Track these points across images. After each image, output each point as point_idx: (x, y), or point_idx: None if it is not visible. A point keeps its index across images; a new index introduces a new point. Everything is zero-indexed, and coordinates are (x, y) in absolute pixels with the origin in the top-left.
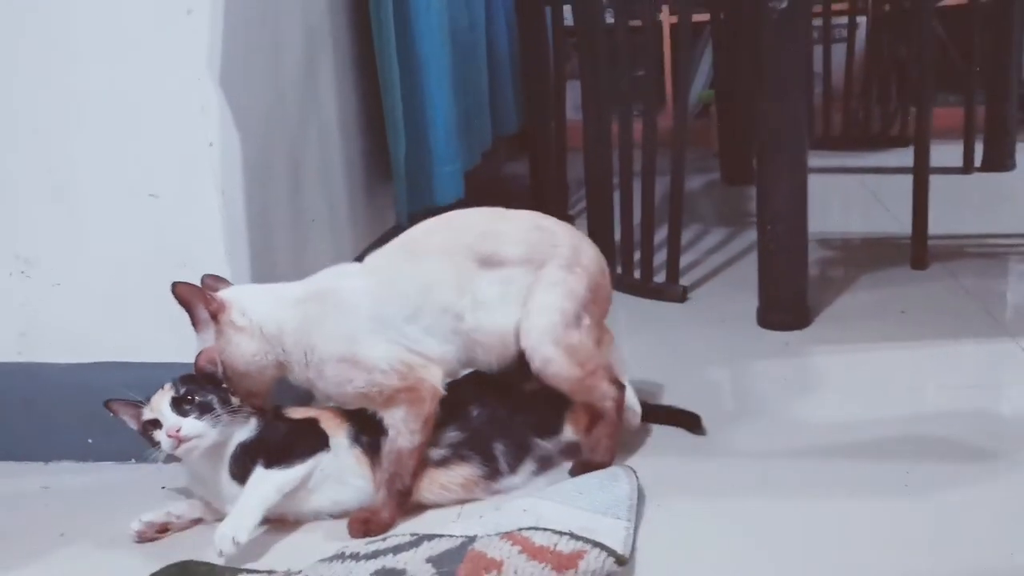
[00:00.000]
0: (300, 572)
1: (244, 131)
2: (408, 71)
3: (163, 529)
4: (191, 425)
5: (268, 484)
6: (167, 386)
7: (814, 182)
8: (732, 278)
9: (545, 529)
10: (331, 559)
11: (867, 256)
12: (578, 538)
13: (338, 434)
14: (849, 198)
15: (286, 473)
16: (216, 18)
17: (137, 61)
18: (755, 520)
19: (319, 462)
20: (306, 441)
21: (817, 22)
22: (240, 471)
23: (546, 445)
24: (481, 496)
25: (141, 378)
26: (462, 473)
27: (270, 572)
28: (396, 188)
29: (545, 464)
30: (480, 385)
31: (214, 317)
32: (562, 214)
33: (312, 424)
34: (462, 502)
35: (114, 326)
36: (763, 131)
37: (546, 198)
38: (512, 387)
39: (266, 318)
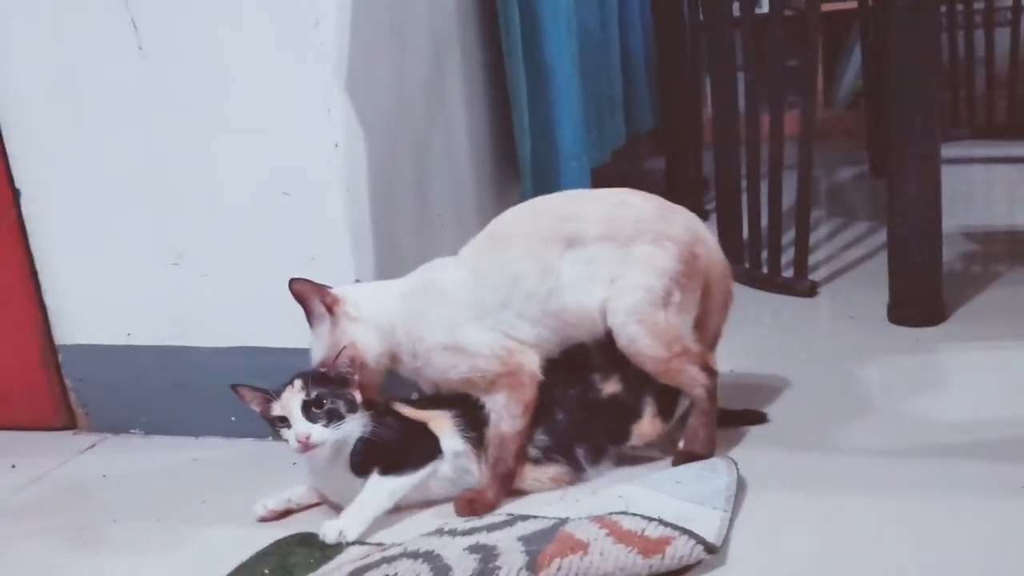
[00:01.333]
0: (401, 545)
1: (369, 132)
2: (535, 72)
3: (284, 514)
4: (319, 433)
5: (383, 492)
6: (297, 384)
7: (969, 172)
8: (867, 273)
9: (635, 514)
10: (431, 534)
11: (1015, 251)
12: (667, 524)
13: (447, 432)
14: (1006, 189)
15: (401, 481)
16: (343, 28)
17: (270, 71)
18: (856, 518)
19: (434, 468)
20: (420, 449)
21: (979, 5)
22: (359, 468)
23: (616, 451)
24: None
25: (275, 363)
26: (552, 471)
27: (378, 544)
28: (522, 184)
29: (621, 461)
30: (563, 388)
31: (330, 310)
32: (697, 208)
33: (424, 430)
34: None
35: (253, 314)
36: (893, 120)
37: (681, 192)
38: (592, 388)
39: (377, 311)
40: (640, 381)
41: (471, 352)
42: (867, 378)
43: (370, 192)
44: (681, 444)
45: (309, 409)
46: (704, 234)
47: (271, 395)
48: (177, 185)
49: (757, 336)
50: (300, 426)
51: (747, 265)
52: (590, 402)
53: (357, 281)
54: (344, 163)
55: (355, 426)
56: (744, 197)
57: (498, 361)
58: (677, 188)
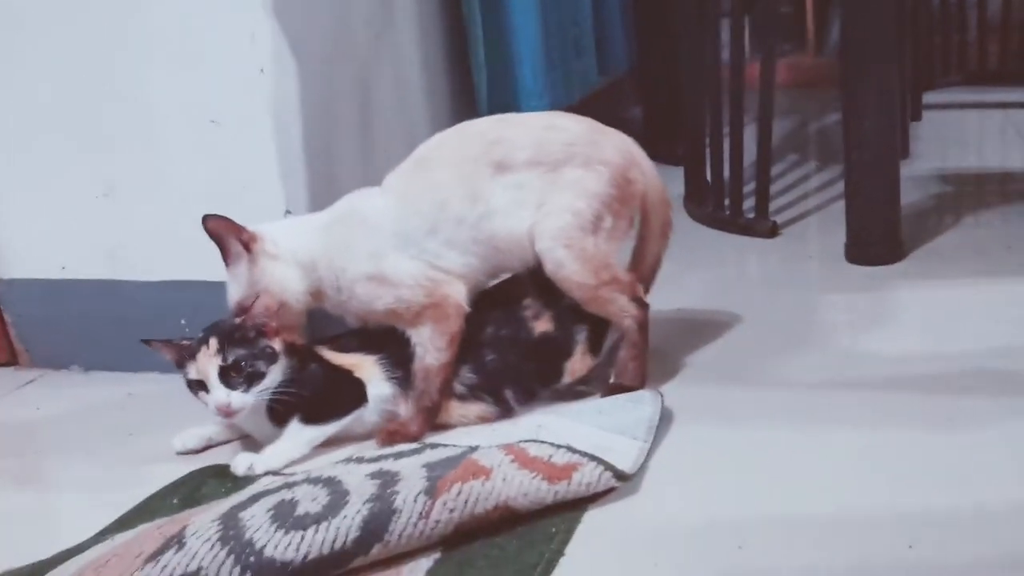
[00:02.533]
0: (306, 472)
1: (301, 59)
2: (491, 1)
3: (202, 450)
4: (239, 399)
5: (302, 439)
6: (213, 345)
7: (957, 118)
8: (832, 215)
9: (542, 441)
10: (339, 462)
11: (988, 193)
12: (575, 451)
13: (374, 378)
14: (990, 135)
15: (322, 430)
16: None
17: None
18: (779, 452)
19: (358, 416)
20: (344, 397)
21: None
22: (279, 417)
23: (546, 392)
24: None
25: (210, 297)
26: (478, 408)
27: (290, 475)
28: None
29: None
30: (495, 324)
31: (247, 247)
32: (673, 155)
33: (349, 377)
34: None
35: (186, 247)
36: (849, 50)
37: (657, 139)
38: (523, 328)
39: (297, 246)
40: (572, 318)
41: (395, 282)
42: (816, 316)
43: (303, 122)
44: (612, 379)
45: (228, 375)
46: (640, 159)
47: (185, 350)
48: (106, 115)
49: (714, 276)
50: (218, 394)
51: (711, 208)
52: (521, 343)
53: (288, 212)
54: (272, 90)
55: (276, 377)
56: (708, 141)
57: (423, 292)
58: (653, 135)
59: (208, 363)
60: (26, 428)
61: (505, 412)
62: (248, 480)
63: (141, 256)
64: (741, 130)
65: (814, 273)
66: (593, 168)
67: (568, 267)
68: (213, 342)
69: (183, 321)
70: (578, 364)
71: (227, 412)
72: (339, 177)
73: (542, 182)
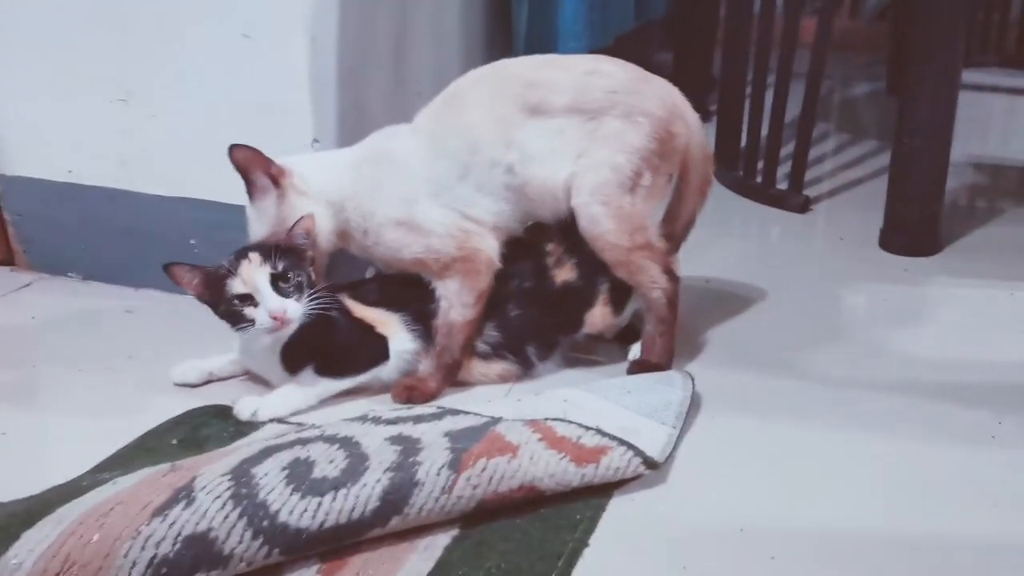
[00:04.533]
0: (320, 428)
1: None
2: None
3: (202, 384)
4: (295, 307)
5: (313, 390)
6: (255, 257)
7: (991, 101)
8: (865, 195)
9: (571, 422)
10: (354, 419)
11: None
12: (605, 435)
13: (397, 333)
14: None
15: (336, 383)
16: None
17: None
18: (811, 453)
19: (375, 374)
20: (364, 353)
21: None
22: (293, 362)
23: (567, 341)
24: (517, 383)
25: (224, 220)
26: (500, 367)
27: (297, 425)
28: None
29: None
30: (518, 277)
31: (275, 182)
32: (701, 108)
33: (371, 332)
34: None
35: (203, 164)
36: (916, 33)
37: (686, 91)
38: (545, 278)
39: (326, 184)
40: (595, 267)
41: (425, 230)
42: (847, 303)
43: (339, 46)
44: (632, 354)
45: (276, 283)
46: (684, 110)
47: (212, 275)
48: (130, 15)
49: (742, 249)
50: (272, 301)
51: (741, 173)
52: (543, 293)
53: (315, 141)
54: (311, 9)
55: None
56: (748, 102)
57: (454, 243)
58: (683, 85)
59: (256, 273)
60: (20, 337)
61: (526, 370)
62: (251, 426)
63: (154, 168)
64: (786, 91)
65: (846, 257)
66: (634, 120)
67: (603, 225)
68: (255, 256)
69: (193, 241)
70: (598, 316)
71: (283, 320)
72: (369, 108)
73: (581, 131)
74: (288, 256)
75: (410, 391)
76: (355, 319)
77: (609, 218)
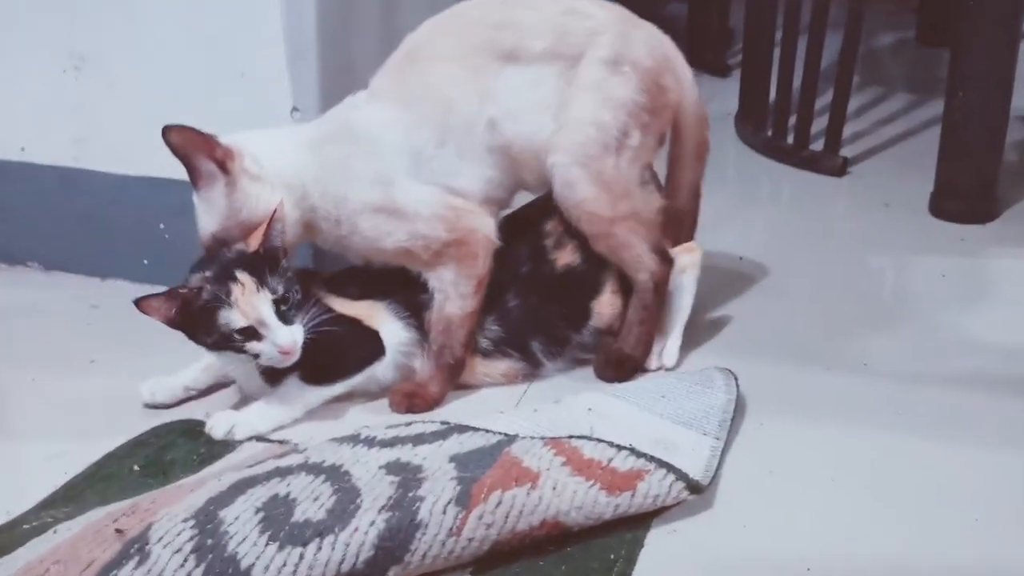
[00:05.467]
0: (304, 453)
1: None
2: None
3: (176, 404)
4: (300, 333)
5: (298, 401)
6: (246, 280)
7: None
8: (907, 154)
9: (599, 440)
10: (344, 440)
11: None
12: (640, 455)
13: (386, 323)
14: None
15: (325, 391)
16: None
17: None
18: (875, 461)
19: (370, 374)
20: (354, 352)
21: None
22: (271, 374)
23: (579, 337)
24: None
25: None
26: (503, 365)
27: (279, 443)
28: None
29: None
30: (514, 263)
31: (222, 167)
32: (719, 62)
33: (359, 327)
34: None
35: None
36: None
37: (702, 43)
38: (544, 261)
39: (284, 165)
40: None
41: (408, 214)
42: (899, 281)
43: (318, 1)
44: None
45: (279, 308)
46: (676, 60)
47: (204, 299)
48: None
49: (774, 219)
50: (281, 335)
51: (770, 133)
52: (544, 279)
53: (295, 110)
54: None
55: None
56: (777, 53)
57: (443, 225)
58: (699, 37)
59: (256, 302)
60: None
61: (533, 368)
62: (225, 446)
63: (114, 144)
64: (822, 39)
65: (892, 226)
66: (620, 70)
67: (581, 190)
68: (245, 279)
69: (162, 226)
70: (607, 306)
71: (292, 353)
72: (356, 72)
73: (560, 81)
74: (275, 269)
75: (411, 399)
76: (338, 315)
77: (589, 182)
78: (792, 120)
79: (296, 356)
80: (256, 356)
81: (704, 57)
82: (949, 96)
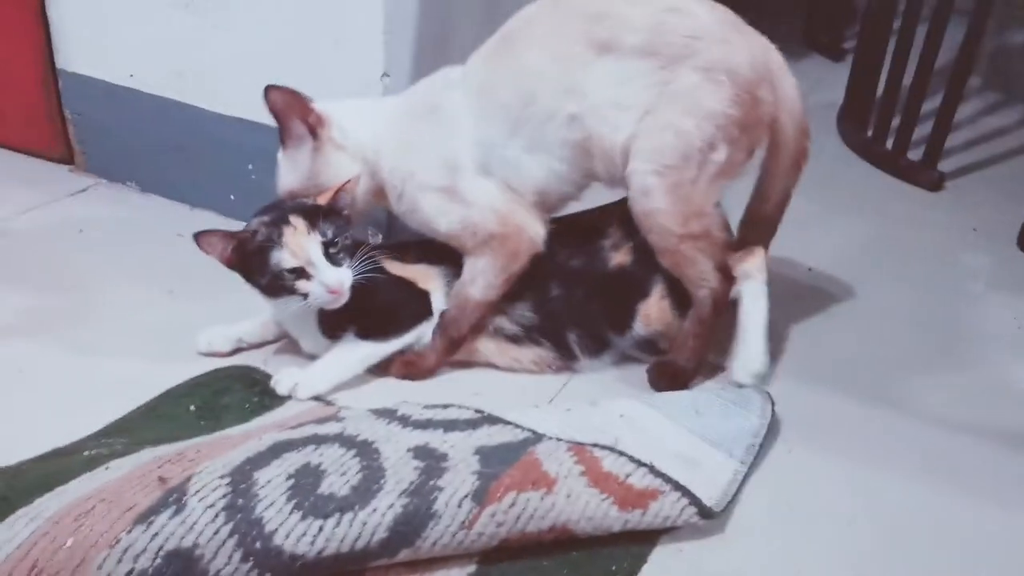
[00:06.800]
0: (342, 422)
1: None
2: None
3: (230, 354)
4: (348, 276)
5: (355, 356)
6: (298, 223)
7: None
8: (1010, 175)
9: (621, 453)
10: (381, 414)
11: None
12: (658, 474)
13: (438, 287)
14: None
15: (381, 347)
16: None
17: None
18: (902, 508)
19: (421, 332)
20: (407, 310)
21: None
22: (331, 328)
23: (622, 341)
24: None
25: None
26: (533, 353)
27: (328, 404)
28: None
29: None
30: (567, 256)
31: (313, 132)
32: (835, 45)
33: (412, 288)
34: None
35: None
36: None
37: (819, 22)
38: (598, 258)
39: (366, 138)
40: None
41: (467, 200)
42: (970, 318)
43: None
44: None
45: (327, 251)
46: (778, 71)
47: (258, 240)
48: None
49: (855, 229)
50: (329, 275)
51: (870, 134)
52: (593, 275)
53: (384, 76)
54: None
55: None
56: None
57: (495, 218)
58: (816, 18)
59: (307, 243)
60: (61, 253)
61: (568, 360)
62: (277, 399)
63: (213, 83)
64: (942, 30)
65: (977, 255)
66: (715, 78)
67: (654, 200)
68: (298, 221)
69: (250, 166)
70: (654, 310)
71: (340, 292)
72: (454, 40)
73: (651, 81)
74: (330, 218)
75: (408, 367)
76: (394, 276)
77: (664, 193)
78: (895, 122)
79: (345, 297)
80: (305, 296)
81: (819, 38)
82: None
